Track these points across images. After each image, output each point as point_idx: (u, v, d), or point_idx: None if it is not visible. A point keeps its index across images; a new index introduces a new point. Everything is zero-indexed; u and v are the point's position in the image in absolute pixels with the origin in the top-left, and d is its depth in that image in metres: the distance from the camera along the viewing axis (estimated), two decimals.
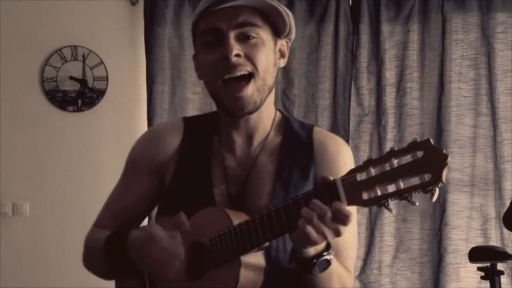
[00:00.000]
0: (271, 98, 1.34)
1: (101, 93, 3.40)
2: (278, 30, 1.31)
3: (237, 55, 1.23)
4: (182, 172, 1.34)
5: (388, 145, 3.28)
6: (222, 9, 1.24)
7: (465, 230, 3.25)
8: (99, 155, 3.40)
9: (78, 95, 3.41)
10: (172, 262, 1.16)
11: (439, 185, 0.94)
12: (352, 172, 1.03)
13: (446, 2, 3.27)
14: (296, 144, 1.34)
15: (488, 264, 2.36)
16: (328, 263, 1.14)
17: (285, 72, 3.31)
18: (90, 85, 3.41)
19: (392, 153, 0.99)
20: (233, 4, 1.23)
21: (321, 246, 1.13)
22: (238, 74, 1.24)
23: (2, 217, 3.36)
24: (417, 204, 0.99)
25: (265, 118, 1.35)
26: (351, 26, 3.33)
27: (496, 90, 3.23)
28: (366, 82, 3.33)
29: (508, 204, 2.65)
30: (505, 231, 3.13)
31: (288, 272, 1.22)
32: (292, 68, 3.31)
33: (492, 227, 3.23)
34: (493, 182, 3.24)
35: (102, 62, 3.40)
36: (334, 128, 3.26)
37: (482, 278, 2.39)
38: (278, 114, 1.39)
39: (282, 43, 1.34)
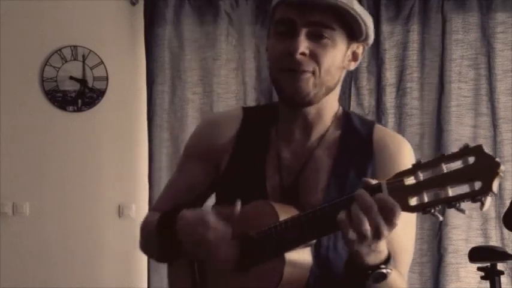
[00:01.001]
0: (333, 96, 1.32)
1: (101, 93, 3.40)
2: (353, 34, 1.27)
3: (303, 53, 1.22)
4: (237, 162, 1.33)
5: None
6: (301, 2, 1.22)
7: (465, 230, 3.25)
8: (99, 155, 3.40)
9: (78, 95, 3.41)
10: (220, 246, 1.16)
11: (490, 195, 0.90)
12: (399, 176, 0.98)
13: (446, 2, 3.27)
14: (355, 141, 1.31)
15: (488, 264, 2.36)
16: (384, 276, 1.09)
17: None
18: (90, 85, 3.41)
19: (442, 158, 0.94)
20: (313, 2, 1.21)
21: (381, 257, 1.08)
22: (300, 69, 1.23)
23: (2, 217, 3.36)
24: (466, 212, 0.95)
25: (326, 114, 1.33)
26: None
27: (496, 90, 3.23)
28: (366, 82, 3.33)
29: (508, 204, 2.65)
30: (505, 231, 3.13)
31: (337, 272, 1.20)
32: None
33: (492, 227, 3.23)
34: None
35: (102, 62, 3.40)
36: None
37: (482, 278, 2.39)
38: (340, 109, 1.37)
39: (358, 46, 1.31)
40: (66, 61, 3.40)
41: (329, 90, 1.29)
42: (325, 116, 1.33)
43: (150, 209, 1.51)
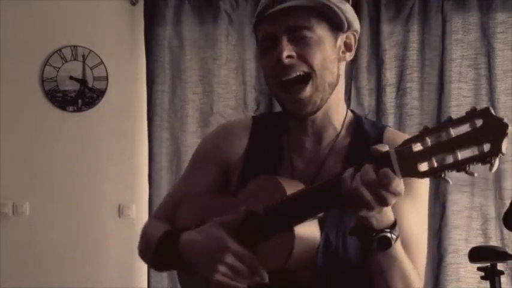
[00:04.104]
0: (338, 96, 1.33)
1: (101, 93, 3.40)
2: (336, 25, 1.28)
3: (289, 56, 1.22)
4: (250, 172, 1.32)
5: None
6: (274, 13, 1.23)
7: (465, 230, 3.25)
8: (99, 155, 3.40)
9: (78, 95, 3.41)
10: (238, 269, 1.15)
11: (499, 156, 0.90)
12: (407, 142, 0.98)
13: (446, 2, 3.27)
14: (366, 145, 1.27)
15: (488, 264, 2.36)
16: (388, 241, 1.10)
17: None
18: (90, 85, 3.41)
19: (450, 123, 0.93)
20: (284, 6, 1.22)
21: (386, 221, 1.09)
22: (294, 75, 1.23)
23: (2, 217, 3.36)
24: (476, 175, 0.94)
25: (334, 117, 1.32)
26: None
27: (496, 90, 3.23)
28: (366, 82, 3.33)
29: (508, 204, 2.65)
30: (505, 231, 3.13)
31: (343, 258, 1.21)
32: None
33: (492, 227, 3.23)
34: (493, 182, 3.24)
35: (102, 62, 3.40)
36: None
37: (482, 278, 2.39)
38: (349, 113, 1.37)
39: (347, 36, 1.30)
40: (66, 61, 3.40)
41: (332, 86, 1.28)
42: (333, 120, 1.32)
43: (154, 216, 1.50)
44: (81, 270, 3.29)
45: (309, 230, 1.16)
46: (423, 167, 0.96)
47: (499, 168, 3.20)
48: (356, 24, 1.31)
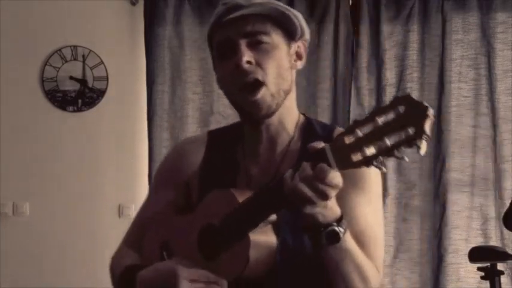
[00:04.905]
0: (291, 101, 1.35)
1: (101, 93, 3.40)
2: (290, 33, 1.31)
3: (248, 62, 1.25)
4: (207, 186, 1.34)
5: None
6: (231, 19, 1.26)
7: (465, 230, 3.25)
8: (99, 155, 3.40)
9: (78, 95, 3.41)
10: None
11: (424, 138, 0.94)
12: (340, 136, 1.03)
13: (446, 2, 3.27)
14: None
15: (488, 264, 2.36)
16: (336, 235, 1.13)
17: None
18: (90, 85, 3.41)
19: (376, 112, 0.99)
20: (240, 13, 1.25)
21: (332, 216, 1.12)
22: (252, 80, 1.26)
23: (2, 217, 3.36)
24: (406, 159, 0.99)
25: (287, 122, 1.35)
26: (351, 26, 3.33)
27: (496, 90, 3.23)
28: (366, 82, 3.33)
29: (508, 204, 2.65)
30: (505, 231, 3.13)
31: (302, 258, 1.24)
32: None
33: (492, 227, 3.23)
34: (493, 182, 3.24)
35: (102, 62, 3.40)
36: None
37: (482, 278, 2.39)
38: (302, 117, 1.39)
39: (298, 45, 1.34)
40: (66, 61, 3.40)
41: (286, 92, 1.31)
42: (287, 125, 1.35)
43: (123, 242, 1.52)
44: (81, 270, 3.29)
45: (264, 236, 1.18)
46: (356, 157, 1.01)
47: (499, 168, 3.21)
48: (307, 33, 1.35)
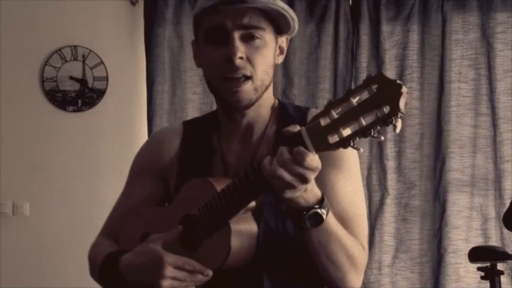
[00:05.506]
0: (269, 91, 1.36)
1: (101, 93, 3.40)
2: (281, 30, 1.32)
3: (241, 57, 1.25)
4: (184, 174, 1.35)
5: (388, 145, 3.29)
6: (230, 7, 1.25)
7: (465, 230, 3.25)
8: (99, 155, 3.40)
9: (78, 95, 3.41)
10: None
11: (399, 115, 0.93)
12: (315, 118, 1.02)
13: (446, 2, 3.27)
14: None
15: (488, 264, 2.36)
16: (319, 217, 1.13)
17: (285, 72, 3.31)
18: (90, 85, 3.41)
19: (350, 93, 0.98)
20: (244, 6, 1.25)
21: (312, 199, 1.12)
22: (240, 75, 1.26)
23: (2, 217, 3.36)
24: (382, 138, 0.98)
25: (264, 110, 1.36)
26: (350, 26, 3.33)
27: (496, 90, 3.23)
28: None
29: (508, 204, 2.65)
30: (505, 231, 3.13)
31: (286, 241, 1.24)
32: (292, 68, 3.31)
33: (492, 227, 3.23)
34: (493, 182, 3.24)
35: (102, 62, 3.40)
36: None
37: (482, 278, 2.39)
38: (276, 102, 1.40)
39: (282, 40, 1.35)
40: (66, 61, 3.40)
41: (267, 87, 1.32)
42: (263, 113, 1.36)
43: (100, 233, 1.51)
44: (81, 270, 3.28)
45: (244, 224, 1.18)
46: (333, 139, 1.00)
47: (499, 168, 3.21)
48: (296, 30, 1.34)
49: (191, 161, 1.37)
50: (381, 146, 3.27)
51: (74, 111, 3.41)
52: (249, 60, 1.26)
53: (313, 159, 1.04)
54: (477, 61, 3.27)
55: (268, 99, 1.37)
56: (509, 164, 3.21)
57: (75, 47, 3.40)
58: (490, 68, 3.24)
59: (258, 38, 1.27)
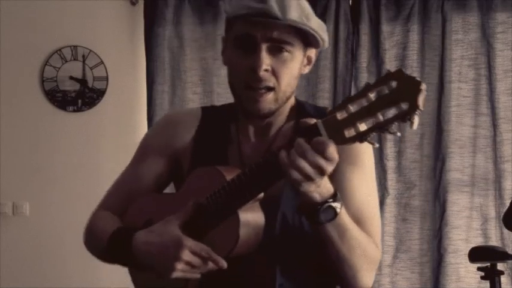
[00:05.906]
0: (290, 101, 1.36)
1: (101, 93, 3.40)
2: (309, 44, 1.32)
3: (266, 70, 1.25)
4: (199, 160, 1.34)
5: (388, 145, 3.29)
6: (262, 19, 1.24)
7: (465, 230, 3.25)
8: (99, 155, 3.40)
9: (78, 95, 3.41)
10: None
11: (417, 112, 0.93)
12: (332, 112, 1.02)
13: (446, 2, 3.27)
14: None
15: (488, 264, 2.36)
16: (333, 210, 1.13)
17: None
18: (90, 85, 3.41)
19: (368, 88, 0.98)
20: (282, 23, 1.23)
21: (327, 193, 1.12)
22: (263, 86, 1.27)
23: (2, 217, 3.36)
24: (398, 134, 0.99)
25: (284, 110, 1.36)
26: (350, 26, 3.33)
27: (496, 90, 3.23)
28: (365, 82, 3.32)
29: (508, 204, 2.65)
30: (505, 231, 3.13)
31: (301, 237, 1.24)
32: None
33: (492, 227, 3.23)
34: (493, 182, 3.24)
35: (102, 62, 3.40)
36: None
37: (482, 278, 2.39)
38: (294, 100, 1.40)
39: (312, 51, 1.35)
40: (66, 61, 3.40)
41: (289, 97, 1.33)
42: (283, 113, 1.36)
43: (101, 206, 1.50)
44: (81, 270, 3.29)
45: (251, 213, 1.18)
46: (350, 133, 1.00)
47: (499, 168, 3.21)
48: (327, 43, 1.33)
49: (207, 147, 1.37)
50: (381, 146, 3.27)
51: (74, 111, 3.41)
52: (274, 72, 1.26)
53: (334, 151, 1.03)
54: (477, 61, 3.27)
55: (289, 103, 1.37)
56: (509, 164, 3.21)
57: (75, 47, 3.40)
58: (490, 68, 3.24)
59: (286, 51, 1.27)
